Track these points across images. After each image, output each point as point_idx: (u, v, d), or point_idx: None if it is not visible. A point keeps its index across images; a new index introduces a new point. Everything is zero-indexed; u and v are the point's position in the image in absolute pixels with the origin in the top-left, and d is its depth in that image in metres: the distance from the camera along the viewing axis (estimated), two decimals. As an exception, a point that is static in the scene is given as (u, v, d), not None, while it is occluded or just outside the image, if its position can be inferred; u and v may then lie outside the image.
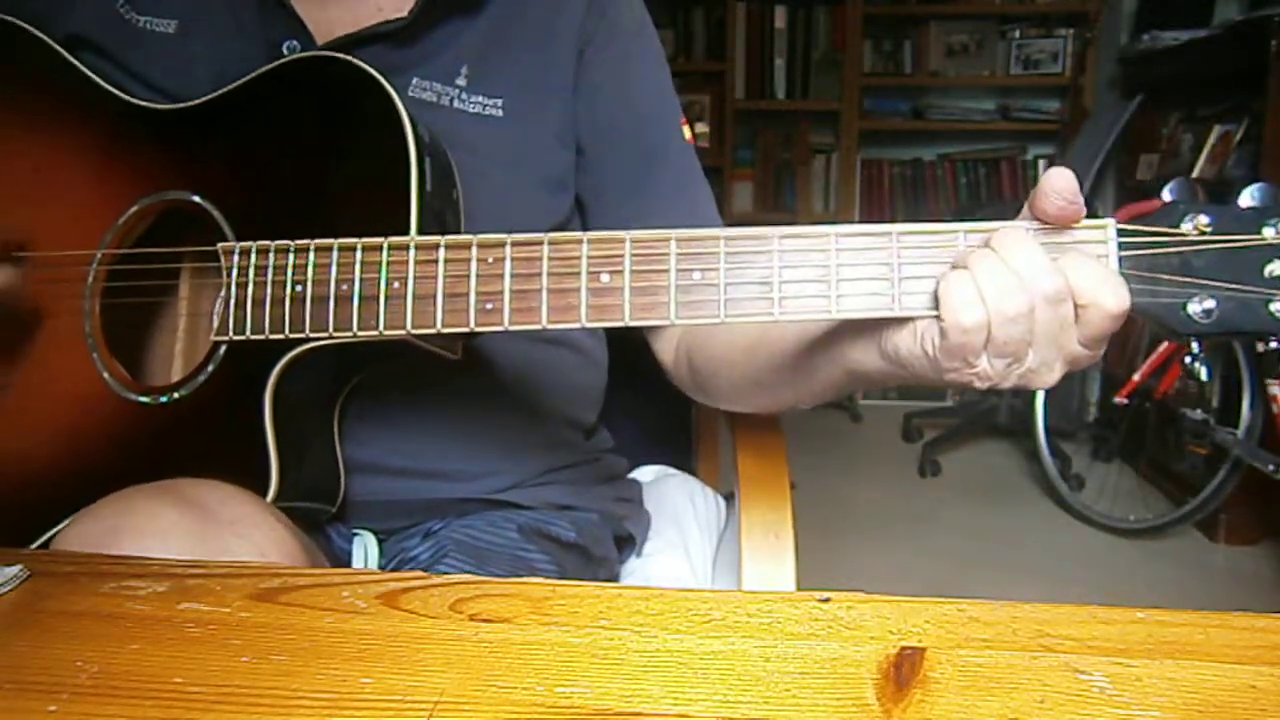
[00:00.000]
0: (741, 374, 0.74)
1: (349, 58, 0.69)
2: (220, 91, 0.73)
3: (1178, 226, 0.52)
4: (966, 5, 3.71)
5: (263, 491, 0.67)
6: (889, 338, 0.56)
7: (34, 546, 0.67)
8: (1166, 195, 0.54)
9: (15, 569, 0.52)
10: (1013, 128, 3.66)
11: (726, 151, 3.69)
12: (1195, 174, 2.62)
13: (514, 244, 0.59)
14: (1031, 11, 3.67)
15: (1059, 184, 0.52)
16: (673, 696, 0.40)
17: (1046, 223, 0.53)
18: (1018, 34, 3.62)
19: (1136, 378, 2.60)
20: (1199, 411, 2.42)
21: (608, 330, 0.94)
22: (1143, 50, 2.98)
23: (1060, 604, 0.46)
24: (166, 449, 0.70)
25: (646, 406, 1.07)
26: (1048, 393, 2.78)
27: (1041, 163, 3.70)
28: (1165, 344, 2.51)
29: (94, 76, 0.78)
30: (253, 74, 0.72)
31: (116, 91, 0.77)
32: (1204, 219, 0.52)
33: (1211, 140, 2.61)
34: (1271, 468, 2.18)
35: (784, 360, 0.68)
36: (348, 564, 0.80)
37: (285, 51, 0.77)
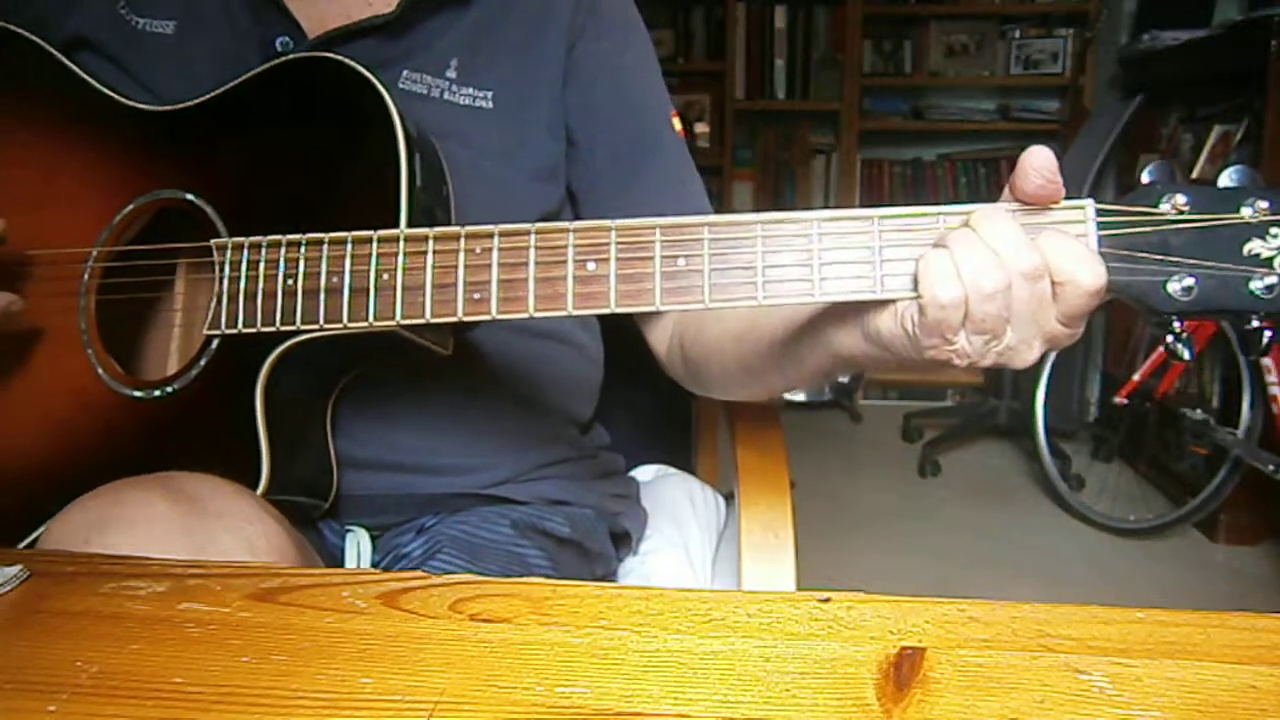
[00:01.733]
0: (733, 361, 0.75)
1: (340, 57, 0.70)
2: (214, 92, 0.74)
3: (1156, 206, 0.52)
4: (966, 5, 3.71)
5: (254, 485, 0.67)
6: (871, 320, 0.56)
7: (29, 540, 0.68)
8: (1145, 177, 0.54)
9: (15, 569, 0.52)
10: (1013, 128, 3.66)
11: (726, 151, 3.70)
12: (1195, 174, 2.62)
13: (501, 234, 0.59)
14: (1031, 11, 3.67)
15: (1038, 162, 0.52)
16: (673, 696, 0.40)
17: (1026, 203, 0.53)
18: (1018, 34, 3.62)
19: (1136, 378, 2.60)
20: (1199, 411, 2.42)
21: (604, 325, 0.94)
22: (1143, 50, 2.98)
23: (1060, 604, 0.46)
24: (160, 443, 0.71)
25: (646, 405, 1.08)
26: (1048, 393, 2.78)
27: (1042, 162, 3.69)
28: (1165, 344, 2.51)
29: (89, 79, 0.78)
30: (246, 75, 0.73)
31: (111, 93, 0.78)
32: (1182, 199, 0.52)
33: (1211, 140, 2.61)
34: (1271, 468, 2.18)
35: (772, 346, 0.69)
36: (340, 560, 0.80)
37: (278, 47, 0.77)
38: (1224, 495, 2.34)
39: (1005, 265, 0.50)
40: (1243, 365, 2.29)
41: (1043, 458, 2.77)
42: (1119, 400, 2.66)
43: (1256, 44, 2.32)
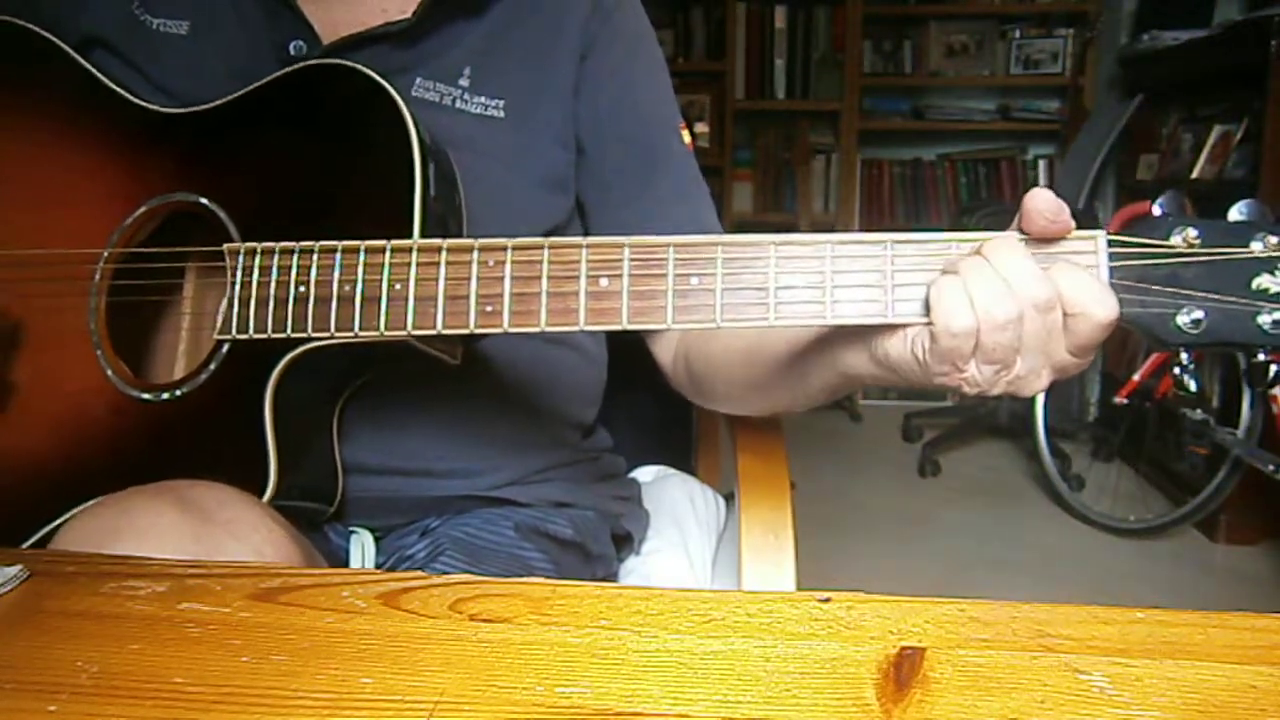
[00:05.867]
0: (738, 377, 0.75)
1: (356, 65, 0.70)
2: (229, 97, 0.74)
3: (1167, 239, 0.53)
4: (966, 5, 3.71)
5: (261, 490, 0.67)
6: (880, 343, 0.56)
7: (32, 540, 0.68)
8: (1157, 209, 0.55)
9: (15, 569, 0.52)
10: (1013, 128, 3.66)
11: (726, 151, 3.69)
12: (1195, 174, 2.62)
13: (515, 248, 0.59)
14: (1031, 11, 3.67)
15: (1040, 204, 0.52)
16: (673, 696, 0.40)
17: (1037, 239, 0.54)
18: (1018, 34, 3.62)
19: (1136, 378, 2.60)
20: (1199, 411, 2.42)
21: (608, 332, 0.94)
22: (1143, 50, 2.98)
23: (1060, 604, 0.46)
24: (167, 446, 0.71)
25: (647, 407, 1.08)
26: (1048, 393, 2.78)
27: (1042, 163, 3.70)
28: (1165, 344, 2.51)
29: (105, 80, 0.78)
30: (261, 80, 0.73)
31: (127, 95, 0.78)
32: (1192, 232, 0.53)
33: (1211, 140, 2.61)
34: (1271, 468, 2.18)
35: (778, 364, 0.69)
36: (344, 562, 0.80)
37: (291, 51, 0.77)
38: (1224, 495, 2.34)
39: (1018, 295, 0.51)
40: (1242, 366, 2.29)
41: (1043, 458, 2.77)
42: (1119, 400, 2.66)
43: (1256, 44, 2.32)
